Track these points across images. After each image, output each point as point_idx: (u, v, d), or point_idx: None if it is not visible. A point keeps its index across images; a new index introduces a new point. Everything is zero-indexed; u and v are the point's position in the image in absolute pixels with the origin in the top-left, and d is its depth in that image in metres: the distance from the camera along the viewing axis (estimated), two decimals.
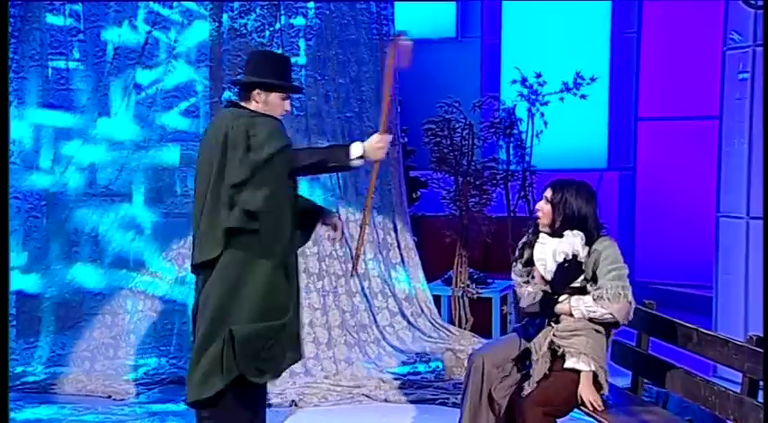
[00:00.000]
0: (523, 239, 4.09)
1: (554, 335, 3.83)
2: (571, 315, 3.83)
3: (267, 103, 3.93)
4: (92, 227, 6.12)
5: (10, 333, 5.83)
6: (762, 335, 3.49)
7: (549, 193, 3.97)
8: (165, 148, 6.16)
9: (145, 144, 6.14)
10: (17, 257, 6.02)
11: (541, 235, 3.93)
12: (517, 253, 4.09)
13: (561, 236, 3.88)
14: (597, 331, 3.84)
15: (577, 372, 3.81)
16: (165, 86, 6.19)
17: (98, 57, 6.12)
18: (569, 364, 3.81)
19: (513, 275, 4.11)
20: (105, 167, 6.12)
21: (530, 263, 4.00)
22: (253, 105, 3.93)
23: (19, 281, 6.00)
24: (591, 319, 3.82)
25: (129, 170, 6.15)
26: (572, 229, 3.87)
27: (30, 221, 6.09)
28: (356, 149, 3.86)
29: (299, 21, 6.21)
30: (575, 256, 3.83)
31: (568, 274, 3.83)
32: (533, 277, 3.96)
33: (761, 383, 3.45)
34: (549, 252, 3.87)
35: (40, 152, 6.11)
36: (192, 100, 6.19)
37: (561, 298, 3.85)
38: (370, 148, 3.87)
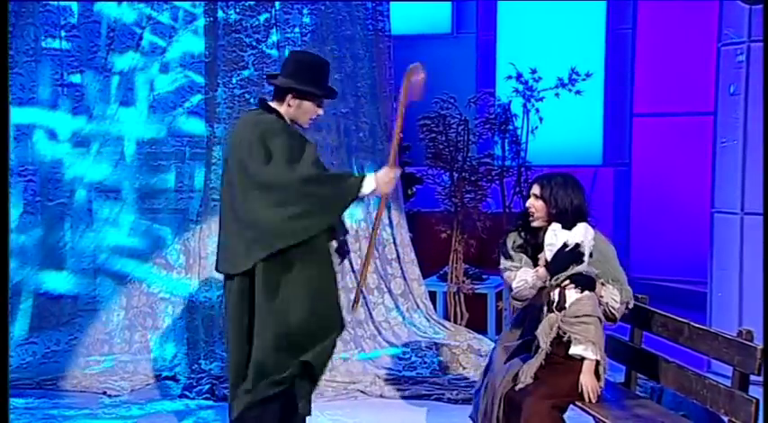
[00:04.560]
0: (513, 227, 4.04)
1: (562, 320, 3.78)
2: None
3: (300, 108, 3.91)
4: (86, 223, 6.16)
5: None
6: (750, 329, 3.49)
7: (536, 189, 3.94)
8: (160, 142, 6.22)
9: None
10: None
11: (554, 223, 3.87)
12: (508, 240, 4.01)
13: (570, 228, 3.85)
14: (600, 321, 3.81)
15: (578, 360, 3.77)
16: (161, 82, 6.22)
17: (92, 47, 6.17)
18: (576, 350, 3.75)
19: (502, 261, 4.01)
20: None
21: (521, 248, 3.96)
22: (284, 108, 3.91)
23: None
24: (604, 310, 3.81)
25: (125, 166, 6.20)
26: (572, 222, 3.84)
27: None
28: (369, 184, 3.83)
29: (294, 17, 6.21)
30: (578, 245, 3.80)
31: (568, 259, 3.79)
32: (532, 263, 3.90)
33: (751, 377, 3.46)
34: (560, 240, 3.82)
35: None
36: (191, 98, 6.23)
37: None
38: (381, 182, 3.85)
